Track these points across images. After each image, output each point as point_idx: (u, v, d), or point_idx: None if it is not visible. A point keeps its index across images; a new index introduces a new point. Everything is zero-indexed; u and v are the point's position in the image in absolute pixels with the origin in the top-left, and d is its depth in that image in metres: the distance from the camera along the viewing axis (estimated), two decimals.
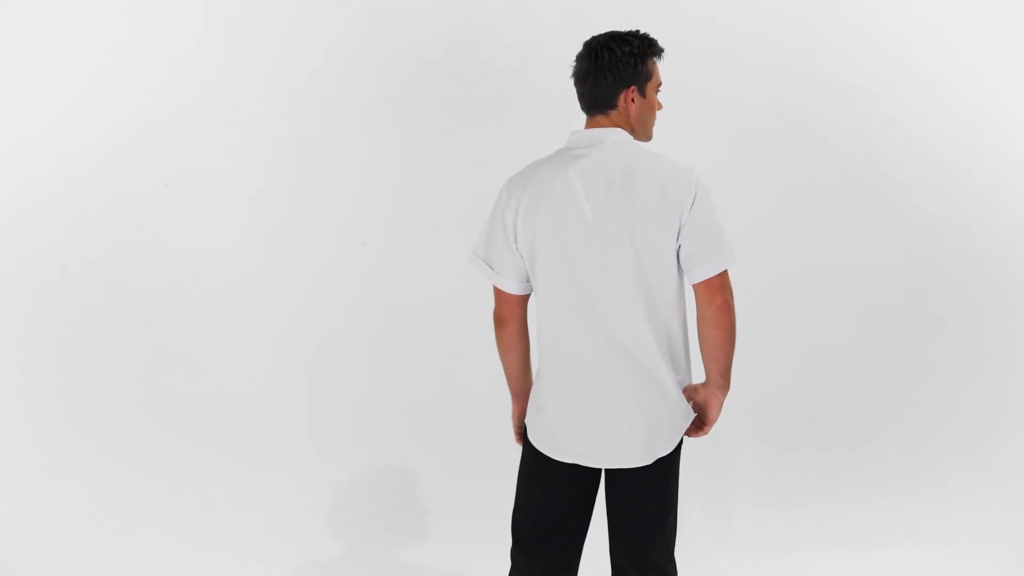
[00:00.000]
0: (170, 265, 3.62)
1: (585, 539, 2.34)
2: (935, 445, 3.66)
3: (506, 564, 2.38)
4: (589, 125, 2.22)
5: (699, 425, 2.27)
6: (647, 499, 2.23)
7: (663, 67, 2.25)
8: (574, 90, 2.25)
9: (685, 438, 2.27)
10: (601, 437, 2.16)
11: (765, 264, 3.70)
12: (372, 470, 3.64)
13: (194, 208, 3.64)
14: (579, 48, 2.23)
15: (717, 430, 3.64)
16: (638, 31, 2.21)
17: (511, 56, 3.65)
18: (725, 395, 2.24)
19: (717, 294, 2.12)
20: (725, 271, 2.14)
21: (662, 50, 2.22)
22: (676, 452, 2.24)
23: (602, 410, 2.16)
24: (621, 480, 2.24)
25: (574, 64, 2.22)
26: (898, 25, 3.69)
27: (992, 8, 3.69)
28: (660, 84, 2.24)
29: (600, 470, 2.27)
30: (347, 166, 3.70)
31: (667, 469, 2.22)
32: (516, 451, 2.37)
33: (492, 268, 2.24)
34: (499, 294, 2.28)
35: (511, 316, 2.28)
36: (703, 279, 2.12)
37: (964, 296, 3.72)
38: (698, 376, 2.30)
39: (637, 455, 2.16)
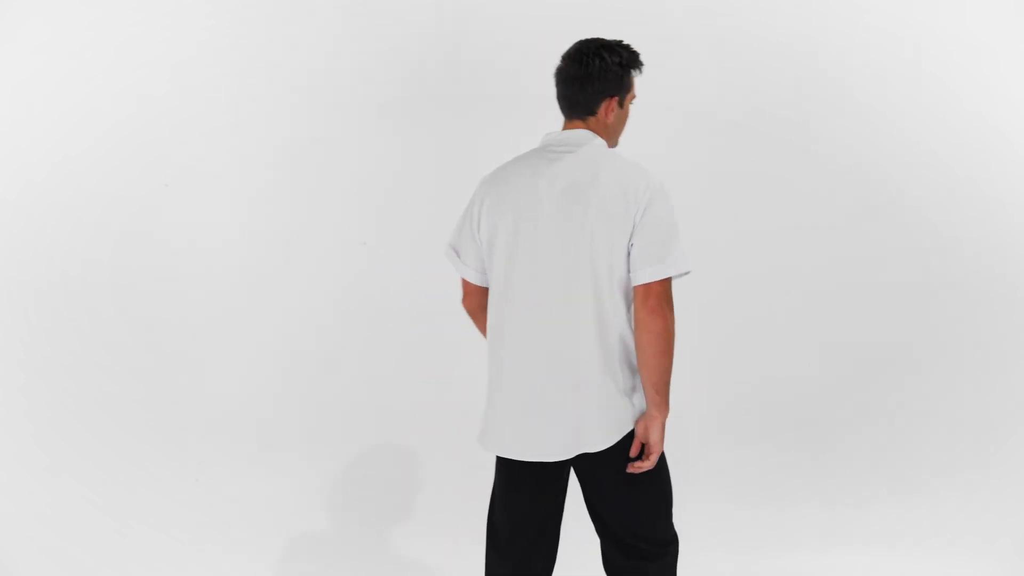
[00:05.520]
0: (170, 265, 3.62)
1: (558, 538, 2.35)
2: (935, 444, 3.66)
3: None
4: (566, 127, 2.26)
5: (645, 452, 2.18)
6: (607, 490, 2.24)
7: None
8: None
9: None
10: (528, 430, 2.18)
11: (765, 263, 3.71)
12: (373, 470, 3.64)
13: (194, 208, 3.64)
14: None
15: (716, 430, 3.67)
16: (622, 41, 2.24)
17: (513, 56, 3.65)
18: (663, 418, 2.15)
19: (651, 297, 2.10)
20: (668, 280, 2.12)
21: (643, 64, 2.26)
22: (625, 448, 2.19)
23: (529, 404, 2.18)
24: (585, 473, 2.24)
25: (560, 63, 2.25)
26: (898, 25, 3.69)
27: (992, 8, 3.70)
28: (635, 96, 2.29)
29: (566, 466, 2.28)
30: (347, 166, 3.70)
31: (621, 463, 2.18)
32: None
33: (460, 258, 2.31)
34: (465, 285, 2.35)
35: (478, 307, 2.34)
36: (643, 282, 2.11)
37: (964, 295, 3.72)
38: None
39: (561, 449, 2.17)
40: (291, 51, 3.65)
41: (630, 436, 2.18)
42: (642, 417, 2.17)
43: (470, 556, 3.30)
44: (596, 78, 2.18)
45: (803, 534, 3.47)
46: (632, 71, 2.23)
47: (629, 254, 2.12)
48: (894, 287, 3.73)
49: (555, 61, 2.28)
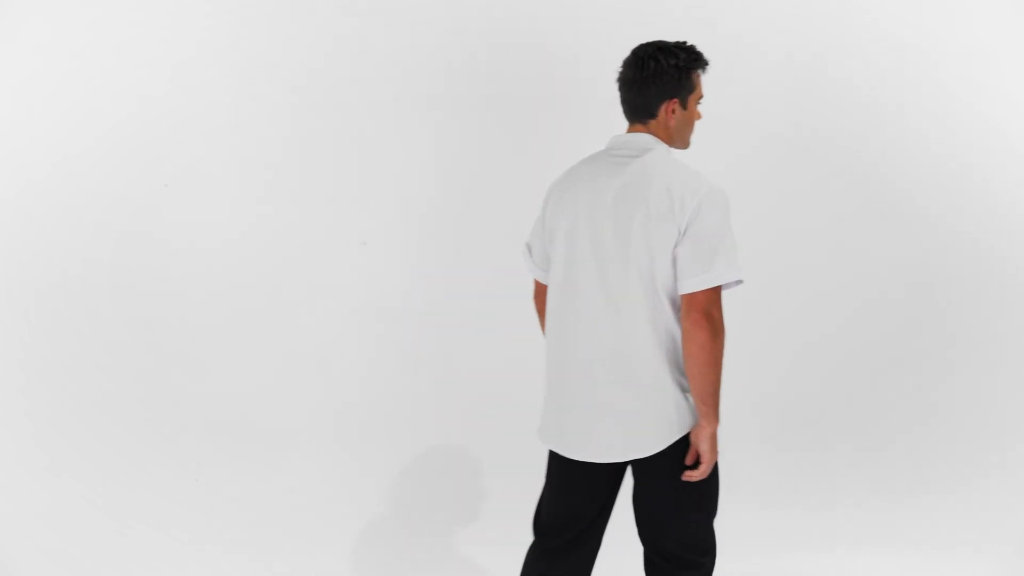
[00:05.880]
0: (170, 265, 3.62)
1: (600, 541, 2.36)
2: (935, 445, 3.66)
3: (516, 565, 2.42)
4: (629, 131, 2.26)
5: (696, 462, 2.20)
6: (655, 492, 2.23)
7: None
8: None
9: None
10: (576, 428, 2.20)
11: (765, 264, 3.70)
12: (374, 470, 3.64)
13: (194, 208, 3.64)
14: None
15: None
16: (685, 43, 2.22)
17: (510, 57, 3.65)
18: (711, 428, 2.14)
19: (694, 308, 2.08)
20: (712, 291, 2.09)
21: (707, 63, 2.23)
22: (676, 452, 2.19)
23: (579, 402, 2.19)
24: (638, 477, 2.26)
25: (620, 69, 2.24)
26: (898, 26, 3.70)
27: (992, 9, 3.70)
28: (701, 96, 2.26)
29: (618, 467, 2.28)
30: (347, 166, 3.70)
31: (670, 467, 2.18)
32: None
33: (531, 256, 2.38)
34: (535, 283, 2.43)
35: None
36: (687, 292, 2.10)
37: (964, 295, 3.72)
38: None
39: (607, 451, 2.18)
40: (291, 51, 3.64)
41: (683, 443, 2.17)
42: (695, 427, 2.17)
43: (470, 556, 3.31)
44: (652, 81, 2.17)
45: (803, 534, 3.47)
46: (692, 72, 2.20)
47: (676, 261, 2.11)
48: (894, 288, 3.73)
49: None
